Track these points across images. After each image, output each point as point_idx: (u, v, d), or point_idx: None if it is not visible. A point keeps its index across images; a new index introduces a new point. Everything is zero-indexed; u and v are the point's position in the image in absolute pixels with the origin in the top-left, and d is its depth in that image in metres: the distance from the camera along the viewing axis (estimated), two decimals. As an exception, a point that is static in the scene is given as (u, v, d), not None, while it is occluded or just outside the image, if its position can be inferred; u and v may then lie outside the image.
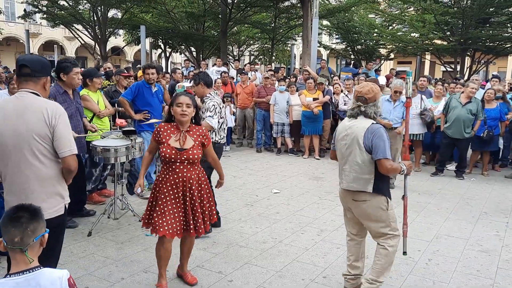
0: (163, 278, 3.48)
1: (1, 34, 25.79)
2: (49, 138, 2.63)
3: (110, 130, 5.53)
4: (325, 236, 4.79)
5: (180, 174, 3.30)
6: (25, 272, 1.86)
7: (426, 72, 30.33)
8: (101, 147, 4.55)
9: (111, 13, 21.45)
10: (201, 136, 3.42)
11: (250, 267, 3.98)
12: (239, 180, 7.22)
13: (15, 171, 2.64)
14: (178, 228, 3.30)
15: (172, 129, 3.37)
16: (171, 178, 3.30)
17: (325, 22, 22.08)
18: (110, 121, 6.03)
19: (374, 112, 3.26)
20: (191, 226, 3.33)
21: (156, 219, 3.27)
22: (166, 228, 3.24)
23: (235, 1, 18.41)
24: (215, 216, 3.61)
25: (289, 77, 11.78)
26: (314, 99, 9.03)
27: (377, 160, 3.14)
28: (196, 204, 3.35)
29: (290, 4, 19.45)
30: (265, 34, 23.16)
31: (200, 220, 3.35)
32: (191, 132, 3.39)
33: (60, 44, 38.09)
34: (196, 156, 3.33)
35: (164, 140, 3.31)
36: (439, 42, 17.59)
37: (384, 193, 3.31)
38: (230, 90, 10.44)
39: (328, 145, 10.06)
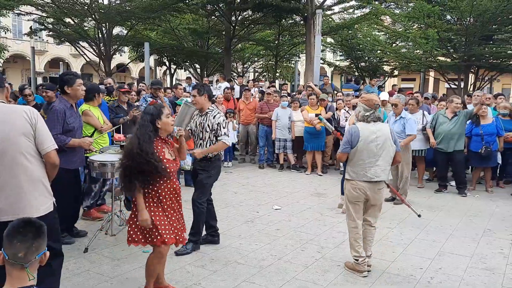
0: None
1: (8, 51, 26.11)
2: (33, 136, 2.78)
3: (109, 145, 5.51)
4: (325, 253, 4.70)
5: (175, 185, 3.42)
6: None
7: (430, 89, 30.32)
8: (98, 162, 4.52)
9: (116, 30, 21.69)
10: (172, 145, 3.57)
11: (248, 285, 3.89)
12: (240, 196, 7.15)
13: (7, 175, 2.70)
14: (173, 235, 3.40)
15: (160, 144, 3.38)
16: (167, 189, 3.37)
17: (329, 39, 22.21)
18: (109, 136, 6.02)
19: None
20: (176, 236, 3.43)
21: (161, 230, 3.29)
22: (171, 236, 3.35)
23: (239, 19, 18.59)
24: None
25: (295, 93, 11.82)
26: (316, 115, 8.99)
27: (397, 152, 4.13)
28: (179, 213, 3.50)
29: (293, 21, 19.60)
30: (269, 51, 23.33)
31: (183, 229, 3.48)
32: (169, 142, 3.53)
33: (66, 61, 38.46)
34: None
35: (161, 156, 3.31)
36: (442, 58, 17.59)
37: None
38: (233, 106, 10.44)
39: (331, 161, 10.00)
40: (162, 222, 3.31)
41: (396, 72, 23.03)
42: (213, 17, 19.53)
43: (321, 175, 9.03)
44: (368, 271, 4.11)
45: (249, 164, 10.24)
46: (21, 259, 1.81)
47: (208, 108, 4.65)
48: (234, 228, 5.47)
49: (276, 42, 21.96)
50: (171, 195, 3.40)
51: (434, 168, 8.76)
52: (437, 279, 4.09)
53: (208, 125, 4.59)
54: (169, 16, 19.14)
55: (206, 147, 4.60)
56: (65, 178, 4.18)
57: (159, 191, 3.34)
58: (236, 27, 18.38)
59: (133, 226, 3.36)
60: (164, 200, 3.37)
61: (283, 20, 18.83)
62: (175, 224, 3.41)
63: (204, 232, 4.85)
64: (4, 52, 24.69)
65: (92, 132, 5.44)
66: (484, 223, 5.95)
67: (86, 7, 17.54)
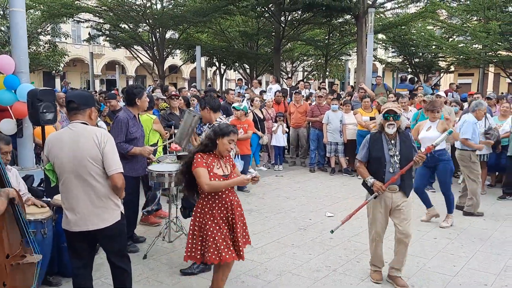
0: None
1: (68, 56, 27.56)
2: (101, 160, 3.01)
3: (166, 154, 5.67)
4: (381, 265, 4.58)
5: (227, 199, 3.48)
6: None
7: (490, 85, 28.72)
8: (156, 172, 4.65)
9: (169, 34, 22.28)
10: (231, 161, 3.68)
11: (303, 297, 3.88)
12: (292, 201, 7.12)
13: (80, 192, 3.02)
14: (231, 251, 3.43)
15: (211, 158, 3.49)
16: (220, 204, 3.45)
17: (380, 36, 21.62)
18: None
19: None
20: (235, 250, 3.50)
21: (213, 247, 3.37)
22: (229, 253, 3.40)
23: (288, 19, 18.50)
24: (249, 240, 3.71)
25: (343, 92, 11.59)
26: (371, 118, 8.79)
27: None
28: (239, 227, 3.52)
29: (343, 20, 19.23)
30: (318, 50, 23.06)
31: (241, 244, 3.51)
32: (225, 158, 3.61)
33: (121, 64, 40.01)
34: None
35: (209, 169, 3.44)
36: (504, 53, 16.64)
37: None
38: (283, 109, 10.41)
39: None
40: (217, 239, 3.38)
41: (452, 68, 22.05)
42: (262, 18, 19.54)
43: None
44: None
45: (299, 167, 10.18)
46: None
47: (216, 120, 4.50)
48: (287, 236, 5.46)
49: (326, 41, 21.64)
50: (224, 211, 3.47)
51: (497, 173, 8.31)
52: (503, 298, 3.88)
53: None
54: (220, 18, 19.41)
55: None
56: (128, 185, 4.26)
57: (213, 205, 3.46)
58: (286, 28, 18.31)
59: (193, 241, 3.47)
60: (216, 215, 3.44)
61: (334, 20, 18.52)
62: (229, 241, 3.47)
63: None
64: (64, 57, 26.12)
65: (156, 141, 5.65)
66: (554, 235, 5.57)
67: (141, 14, 18.16)
